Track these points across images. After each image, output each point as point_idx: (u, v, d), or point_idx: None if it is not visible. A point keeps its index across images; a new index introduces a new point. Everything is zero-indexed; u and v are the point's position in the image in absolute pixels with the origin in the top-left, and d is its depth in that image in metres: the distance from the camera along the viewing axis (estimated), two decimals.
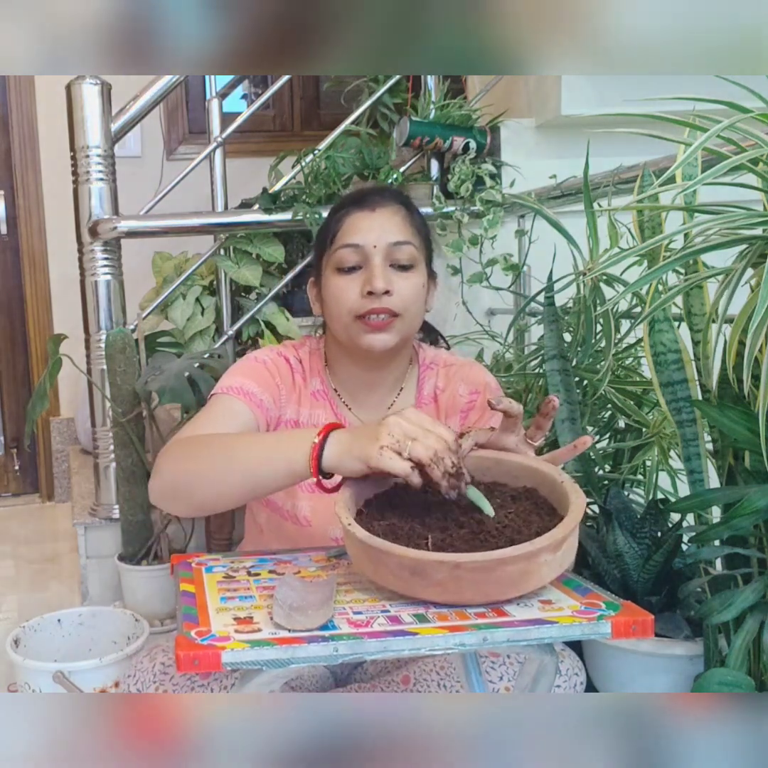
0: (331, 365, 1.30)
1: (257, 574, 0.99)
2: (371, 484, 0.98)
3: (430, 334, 1.44)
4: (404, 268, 1.21)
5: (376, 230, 1.20)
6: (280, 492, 1.23)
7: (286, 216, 2.13)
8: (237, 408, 1.19)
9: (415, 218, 1.25)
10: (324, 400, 1.28)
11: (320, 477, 0.97)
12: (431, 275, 1.28)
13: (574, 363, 1.47)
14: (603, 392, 1.46)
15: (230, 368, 1.26)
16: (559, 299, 1.51)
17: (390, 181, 2.16)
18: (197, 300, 2.26)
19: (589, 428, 1.58)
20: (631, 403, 1.52)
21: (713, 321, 1.21)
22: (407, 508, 0.95)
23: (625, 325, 1.53)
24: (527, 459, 1.00)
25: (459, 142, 2.16)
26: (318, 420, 1.27)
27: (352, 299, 1.19)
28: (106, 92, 2.03)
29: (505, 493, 0.97)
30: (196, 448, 1.07)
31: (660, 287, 1.29)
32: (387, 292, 1.18)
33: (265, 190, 2.18)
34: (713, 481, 1.29)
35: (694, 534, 1.27)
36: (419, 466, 0.91)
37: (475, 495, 0.93)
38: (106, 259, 2.05)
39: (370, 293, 1.18)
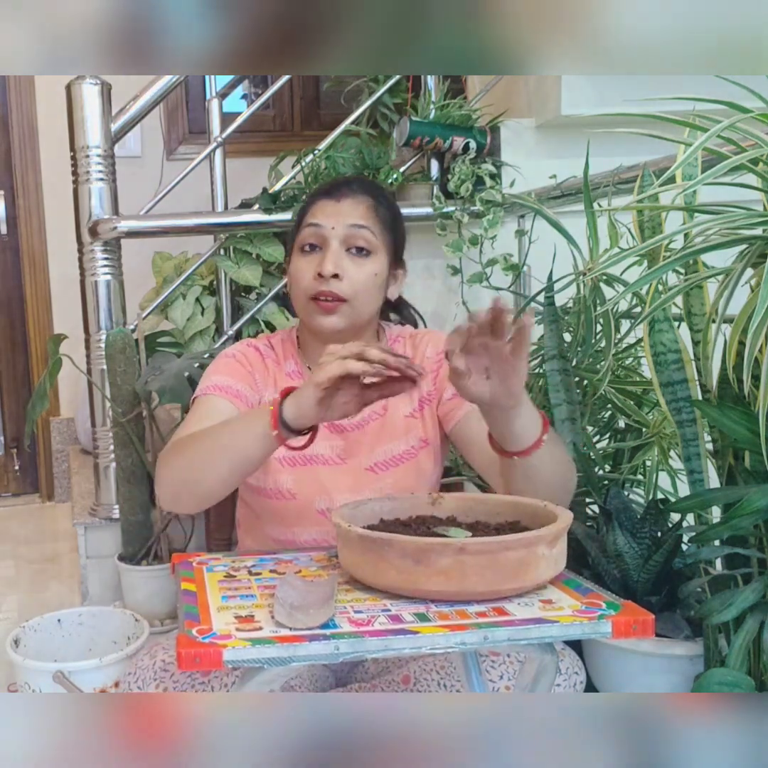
0: (304, 347, 1.35)
1: (258, 574, 0.99)
2: (360, 518, 0.99)
3: (403, 311, 1.47)
4: (360, 254, 1.25)
5: (336, 215, 1.25)
6: (258, 471, 1.26)
7: (286, 216, 2.13)
8: (219, 405, 1.25)
9: (380, 208, 1.29)
10: (299, 379, 1.33)
11: (283, 431, 1.02)
12: (399, 265, 1.33)
13: (574, 363, 1.47)
14: (603, 392, 1.46)
15: (206, 371, 1.32)
16: (559, 299, 1.51)
17: (390, 181, 2.16)
18: (197, 300, 2.27)
19: (589, 428, 1.58)
20: (631, 403, 1.52)
21: (713, 321, 1.21)
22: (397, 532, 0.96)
23: (625, 325, 1.53)
24: (508, 497, 1.03)
25: (459, 142, 2.16)
26: None
27: (306, 280, 1.25)
28: (106, 92, 2.03)
29: (489, 529, 0.99)
30: (185, 445, 1.14)
31: (660, 287, 1.29)
32: (336, 277, 1.22)
33: (265, 190, 2.18)
34: (713, 481, 1.29)
35: (694, 534, 1.27)
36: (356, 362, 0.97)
37: (459, 533, 0.94)
38: (106, 259, 2.05)
39: (320, 275, 1.23)
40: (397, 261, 1.32)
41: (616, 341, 1.44)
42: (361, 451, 1.29)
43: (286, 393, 1.04)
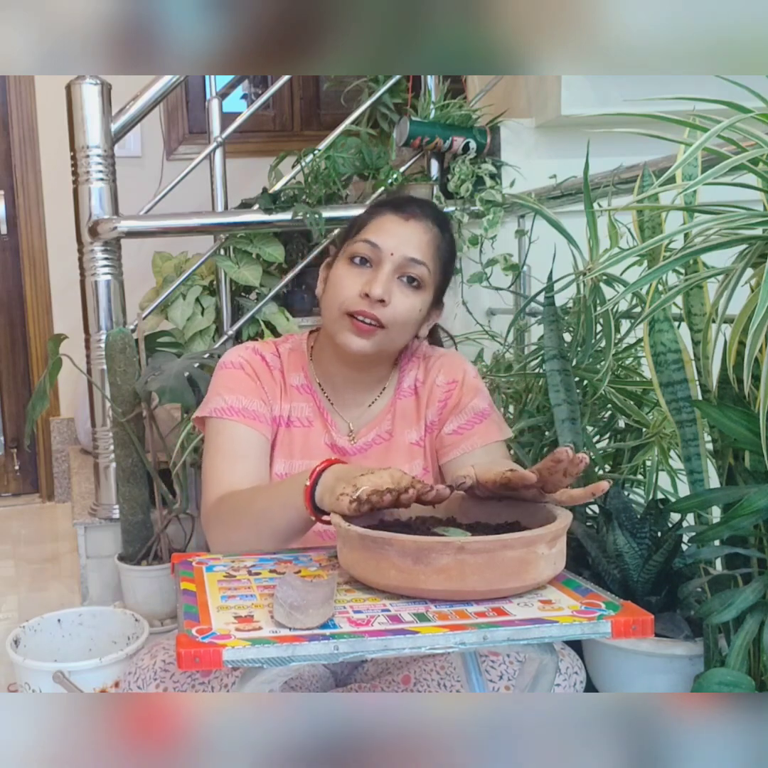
0: (318, 359, 1.30)
1: (258, 573, 0.99)
2: (359, 518, 0.98)
3: (433, 334, 1.42)
4: (411, 284, 1.20)
5: (399, 238, 1.19)
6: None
7: (286, 216, 2.13)
8: (239, 433, 1.21)
9: (443, 241, 1.24)
10: (307, 394, 1.29)
11: (318, 515, 1.03)
12: (437, 304, 1.27)
13: (574, 363, 1.47)
14: (603, 392, 1.46)
15: (212, 384, 1.26)
16: (559, 299, 1.51)
17: (390, 181, 2.16)
18: (197, 300, 2.26)
19: (589, 428, 1.58)
20: (631, 403, 1.52)
21: (713, 321, 1.21)
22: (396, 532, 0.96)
23: (625, 325, 1.53)
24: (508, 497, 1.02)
25: (459, 142, 2.16)
26: (302, 413, 1.28)
27: (348, 294, 1.18)
28: (106, 92, 2.04)
29: (489, 529, 0.98)
30: (229, 516, 1.14)
31: (660, 287, 1.29)
32: (382, 301, 1.17)
33: (265, 190, 2.19)
34: (713, 481, 1.29)
35: (694, 534, 1.27)
36: (370, 502, 0.93)
37: (458, 533, 0.94)
38: (106, 259, 2.05)
39: (366, 295, 1.17)
40: (438, 301, 1.27)
41: (616, 341, 1.44)
42: None
43: (321, 471, 1.02)
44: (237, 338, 2.24)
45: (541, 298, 1.51)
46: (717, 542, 1.23)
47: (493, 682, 1.13)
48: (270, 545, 1.10)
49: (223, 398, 1.23)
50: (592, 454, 1.55)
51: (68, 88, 2.02)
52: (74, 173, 2.04)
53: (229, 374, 1.25)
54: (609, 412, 1.59)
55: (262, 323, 2.24)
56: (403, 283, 1.19)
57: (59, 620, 1.71)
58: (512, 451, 1.55)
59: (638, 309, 1.49)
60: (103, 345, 2.03)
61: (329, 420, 1.28)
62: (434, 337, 1.43)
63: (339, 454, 1.27)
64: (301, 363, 1.30)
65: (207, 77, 2.31)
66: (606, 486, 0.95)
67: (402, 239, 1.19)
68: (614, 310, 1.43)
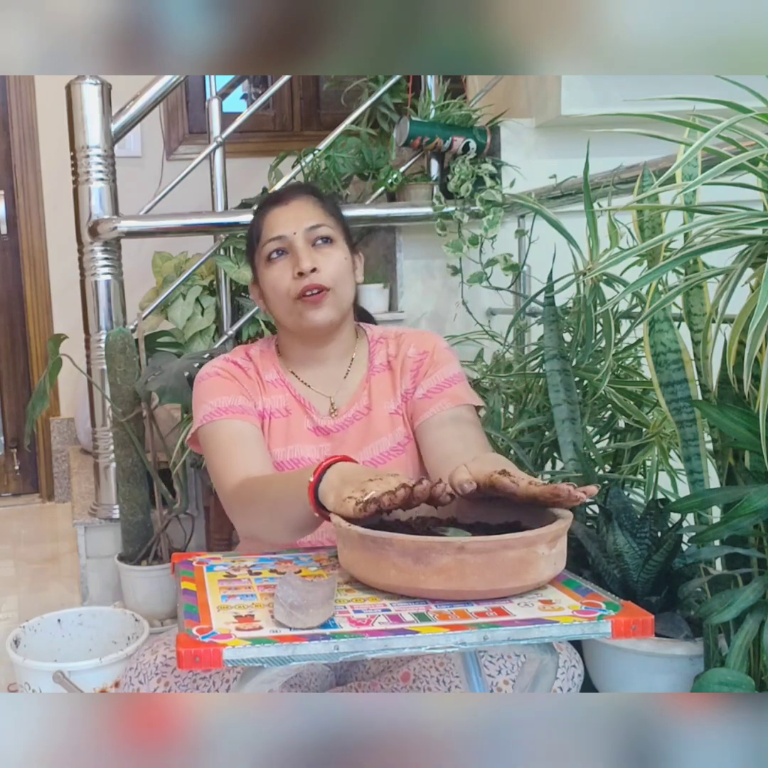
0: (284, 353, 1.37)
1: (258, 573, 0.99)
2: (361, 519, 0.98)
3: (362, 315, 1.50)
4: (326, 244, 1.30)
5: (292, 220, 1.30)
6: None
7: None
8: (236, 428, 1.26)
9: (326, 204, 1.35)
10: (281, 386, 1.34)
11: (321, 511, 1.01)
12: (354, 250, 1.37)
13: (574, 363, 1.47)
14: (603, 392, 1.46)
15: (195, 399, 1.31)
16: (559, 299, 1.51)
17: (390, 181, 2.16)
18: (197, 300, 2.26)
19: (589, 428, 1.58)
20: (631, 403, 1.52)
21: (713, 321, 1.21)
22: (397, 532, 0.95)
23: (625, 325, 1.53)
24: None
25: (459, 142, 2.16)
26: (279, 404, 1.33)
27: (286, 283, 1.28)
28: (106, 92, 2.04)
29: (488, 530, 0.98)
30: (246, 505, 1.18)
31: (660, 287, 1.29)
32: (314, 270, 1.26)
33: (265, 190, 2.19)
34: (713, 481, 1.29)
35: (694, 534, 1.27)
36: (377, 505, 0.92)
37: (459, 534, 0.94)
38: (106, 259, 2.05)
39: (300, 274, 1.26)
40: (352, 247, 1.36)
41: (616, 341, 1.44)
42: (348, 450, 1.27)
43: (324, 469, 1.01)
44: (237, 338, 2.24)
45: (541, 298, 1.51)
46: (717, 542, 1.23)
47: (491, 677, 1.13)
48: (284, 535, 1.12)
49: (209, 404, 1.28)
50: (592, 454, 1.55)
51: (68, 88, 2.02)
52: (74, 173, 2.04)
53: (208, 383, 1.31)
54: (609, 412, 1.59)
55: (262, 323, 2.24)
56: (319, 247, 1.30)
57: (59, 620, 1.71)
58: (512, 452, 1.55)
59: (638, 309, 1.49)
60: (103, 345, 2.03)
61: (308, 405, 1.32)
62: (367, 315, 1.51)
63: (322, 435, 1.31)
64: (271, 360, 1.37)
65: (207, 77, 2.31)
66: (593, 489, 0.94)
67: (294, 218, 1.31)
68: (614, 310, 1.44)
